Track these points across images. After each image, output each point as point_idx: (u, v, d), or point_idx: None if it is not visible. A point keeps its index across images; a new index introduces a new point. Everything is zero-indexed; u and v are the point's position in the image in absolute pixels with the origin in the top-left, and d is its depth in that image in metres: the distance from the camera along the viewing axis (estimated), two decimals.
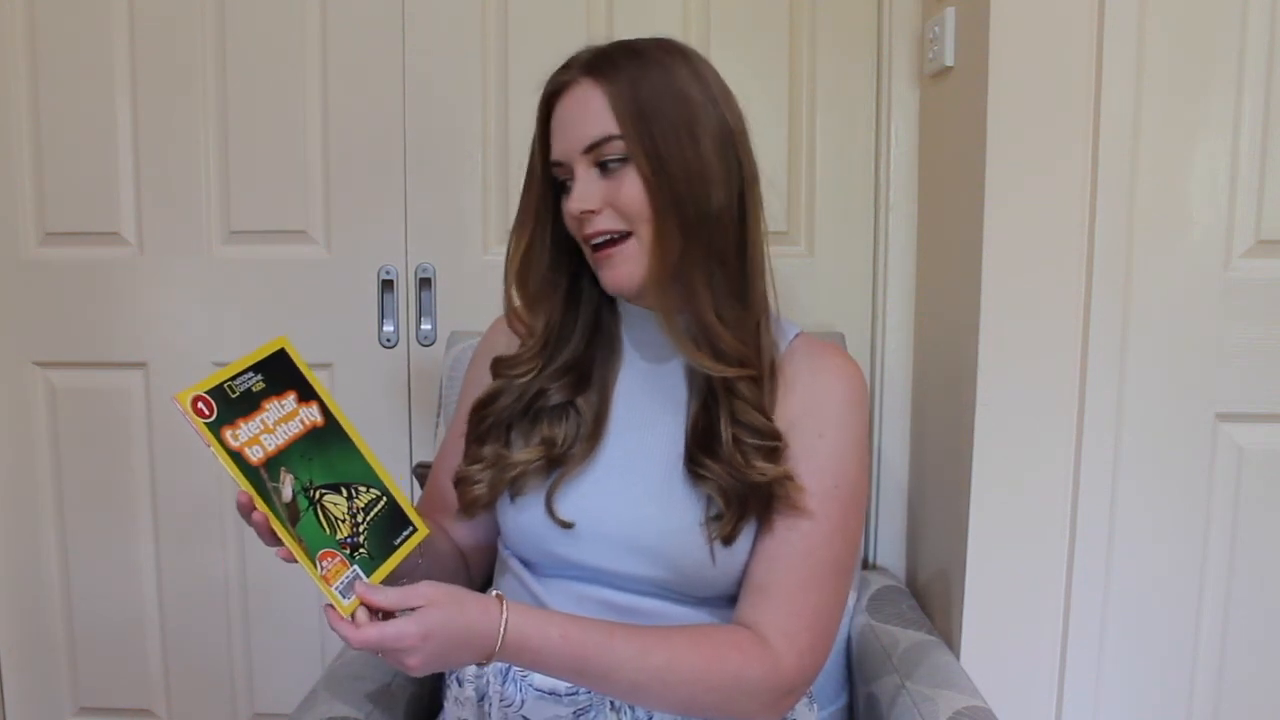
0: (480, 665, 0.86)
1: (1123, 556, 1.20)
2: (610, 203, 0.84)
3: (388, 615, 0.73)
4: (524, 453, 0.89)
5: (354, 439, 0.81)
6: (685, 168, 0.82)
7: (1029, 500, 1.19)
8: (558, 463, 0.89)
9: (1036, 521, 1.19)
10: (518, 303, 0.92)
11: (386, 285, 1.53)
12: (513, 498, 0.90)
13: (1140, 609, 1.21)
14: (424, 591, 0.73)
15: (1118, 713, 1.22)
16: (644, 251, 0.84)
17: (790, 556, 0.85)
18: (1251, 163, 1.15)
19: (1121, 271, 1.15)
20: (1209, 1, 1.12)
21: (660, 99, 0.82)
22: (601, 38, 0.91)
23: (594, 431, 0.90)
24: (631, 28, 1.39)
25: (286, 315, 1.54)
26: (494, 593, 0.78)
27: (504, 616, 0.74)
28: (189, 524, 1.59)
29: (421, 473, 1.29)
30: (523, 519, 0.89)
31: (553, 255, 0.91)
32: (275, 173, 1.52)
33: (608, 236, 0.85)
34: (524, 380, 0.91)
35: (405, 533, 0.81)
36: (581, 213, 0.84)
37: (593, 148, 0.83)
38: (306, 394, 0.79)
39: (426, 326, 1.53)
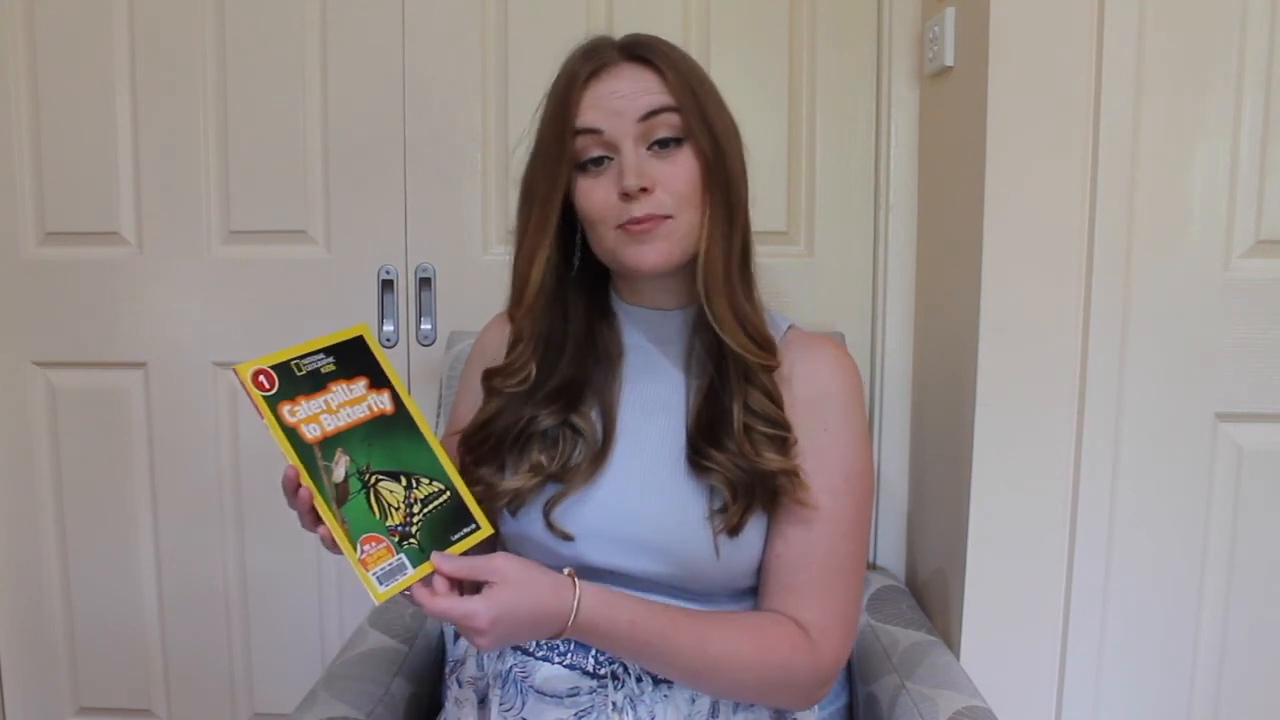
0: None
1: (1123, 556, 1.20)
2: (662, 183, 0.83)
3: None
4: (513, 480, 0.88)
5: (425, 432, 0.80)
6: (734, 151, 0.85)
7: (1029, 500, 1.19)
8: (554, 479, 0.88)
9: (1036, 522, 1.19)
10: (530, 302, 0.89)
11: (386, 285, 1.53)
12: (512, 514, 0.89)
13: (1140, 609, 1.21)
14: (497, 566, 0.73)
15: (1118, 713, 1.22)
16: (681, 234, 0.84)
17: (814, 557, 0.86)
18: (1251, 163, 1.15)
19: (1121, 271, 1.15)
20: (1209, 1, 1.12)
21: (704, 85, 0.85)
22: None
23: (601, 450, 0.89)
24: (632, 28, 1.39)
25: (286, 315, 1.54)
26: (566, 570, 0.78)
27: (576, 599, 0.75)
28: (189, 524, 1.59)
29: None
30: (524, 532, 0.89)
31: (558, 265, 0.89)
32: (275, 173, 1.52)
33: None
34: (518, 391, 0.89)
35: (466, 529, 0.80)
36: (638, 190, 0.82)
37: (650, 116, 0.82)
38: (379, 382, 0.79)
39: (426, 326, 1.53)
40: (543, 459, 0.88)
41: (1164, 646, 1.21)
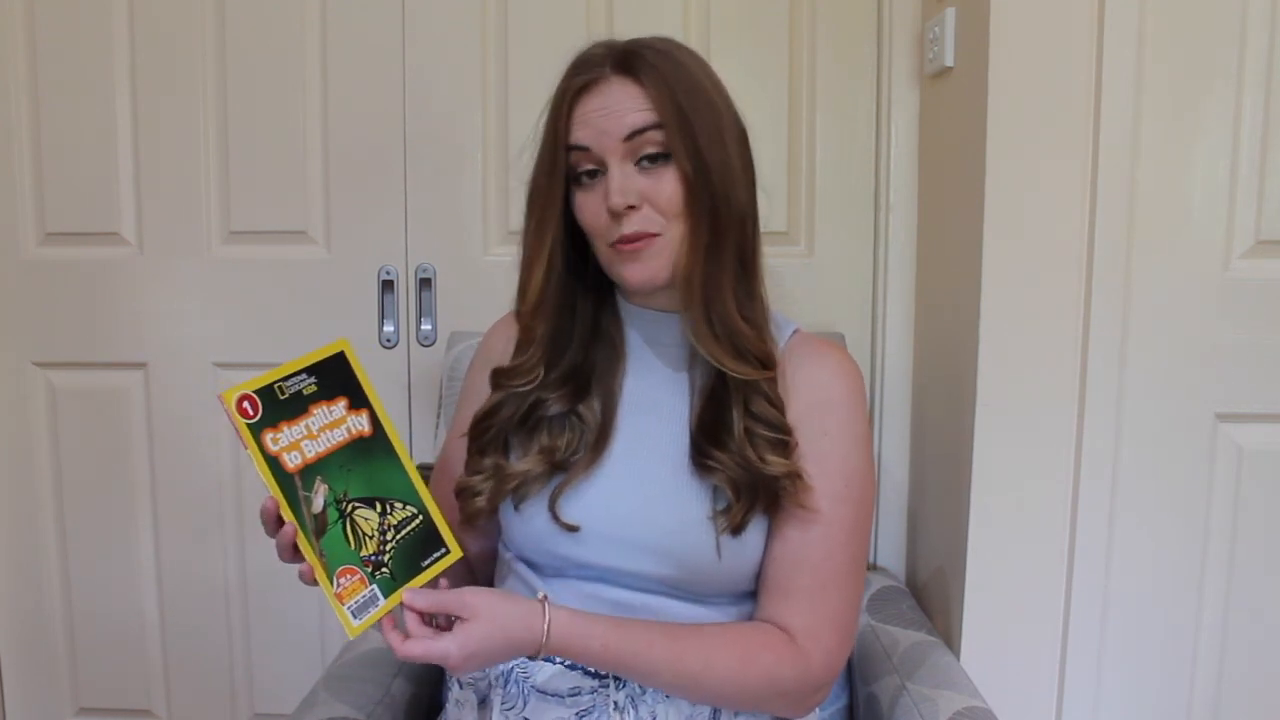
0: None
1: (1122, 556, 1.20)
2: (648, 200, 0.83)
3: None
4: (523, 463, 0.89)
5: (400, 453, 0.80)
6: (720, 167, 0.83)
7: (1029, 500, 1.19)
8: (560, 468, 0.89)
9: (1036, 521, 1.19)
10: (531, 308, 0.90)
11: (386, 285, 1.53)
12: (516, 505, 0.89)
13: (1140, 609, 1.21)
14: (468, 601, 0.75)
15: (1118, 713, 1.22)
16: (670, 250, 0.85)
17: (809, 561, 0.86)
18: (1251, 163, 1.15)
19: (1121, 272, 1.15)
20: (1209, 2, 1.13)
21: (693, 97, 0.83)
22: (602, 37, 0.90)
23: (600, 439, 0.89)
24: (632, 28, 1.39)
25: (286, 315, 1.54)
26: (540, 593, 0.79)
27: (546, 625, 0.76)
28: (189, 524, 1.59)
29: (422, 475, 1.29)
30: (527, 526, 0.89)
31: (563, 263, 0.89)
32: (275, 173, 1.52)
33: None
34: (525, 390, 0.90)
35: (436, 554, 0.80)
36: (624, 208, 0.82)
37: (634, 136, 0.82)
38: (358, 402, 0.78)
39: (427, 327, 1.53)
40: (551, 444, 0.89)
41: (1164, 646, 1.21)
